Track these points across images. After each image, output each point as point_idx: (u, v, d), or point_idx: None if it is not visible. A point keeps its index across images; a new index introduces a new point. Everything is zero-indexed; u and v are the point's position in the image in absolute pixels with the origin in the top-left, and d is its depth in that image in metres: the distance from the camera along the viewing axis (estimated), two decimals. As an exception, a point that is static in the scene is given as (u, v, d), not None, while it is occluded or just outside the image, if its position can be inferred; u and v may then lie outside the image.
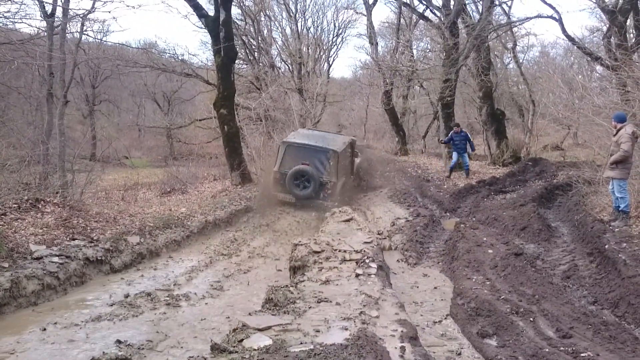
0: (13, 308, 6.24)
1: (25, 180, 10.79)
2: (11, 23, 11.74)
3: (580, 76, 20.08)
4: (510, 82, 28.30)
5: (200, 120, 29.37)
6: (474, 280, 7.34)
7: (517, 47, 26.22)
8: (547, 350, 5.04)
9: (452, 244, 9.55)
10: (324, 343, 4.63)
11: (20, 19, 16.42)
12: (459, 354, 5.36)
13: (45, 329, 5.71)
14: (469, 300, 6.52)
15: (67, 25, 15.28)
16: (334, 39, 40.91)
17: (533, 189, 13.95)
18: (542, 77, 24.05)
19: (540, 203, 12.11)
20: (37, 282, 6.67)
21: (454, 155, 17.01)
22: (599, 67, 20.65)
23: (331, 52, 42.08)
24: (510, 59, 28.14)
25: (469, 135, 16.95)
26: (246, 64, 28.45)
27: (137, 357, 4.85)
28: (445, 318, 6.46)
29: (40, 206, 9.50)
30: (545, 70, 25.01)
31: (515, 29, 23.70)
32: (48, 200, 9.90)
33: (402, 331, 5.15)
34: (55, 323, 5.91)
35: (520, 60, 27.35)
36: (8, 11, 13.09)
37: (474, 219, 11.79)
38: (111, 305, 6.43)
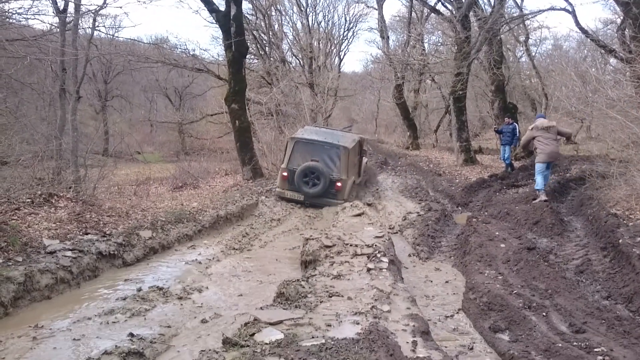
0: (27, 302, 6.28)
1: (38, 175, 10.85)
2: (24, 19, 11.85)
3: (593, 69, 19.90)
4: (522, 76, 28.15)
5: (211, 115, 29.51)
6: (486, 274, 7.31)
7: (529, 40, 26.06)
8: (560, 345, 5.01)
9: (464, 238, 9.51)
10: (336, 337, 4.64)
11: (33, 15, 16.63)
12: (471, 348, 5.34)
13: (60, 323, 5.76)
14: (481, 295, 6.49)
15: (79, 21, 15.40)
16: (345, 33, 41.02)
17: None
18: (555, 70, 23.89)
19: (553, 197, 12.02)
20: (50, 276, 6.71)
21: (502, 148, 16.87)
22: (612, 60, 20.48)
23: (342, 46, 42.21)
24: (522, 52, 28.00)
25: (517, 129, 16.71)
26: (257, 59, 28.53)
27: (149, 351, 4.86)
28: (457, 312, 6.44)
29: (53, 201, 9.56)
30: (558, 63, 24.83)
31: (527, 22, 23.52)
32: (61, 195, 9.96)
33: (413, 326, 5.14)
34: (68, 317, 5.95)
35: (533, 54, 27.20)
36: (21, 7, 13.23)
37: (486, 213, 11.74)
38: (124, 299, 6.45)
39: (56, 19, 14.15)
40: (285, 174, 13.03)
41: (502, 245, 8.47)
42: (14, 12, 10.82)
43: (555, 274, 7.10)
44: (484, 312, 6.08)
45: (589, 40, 18.81)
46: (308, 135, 13.63)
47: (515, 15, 21.82)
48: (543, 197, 11.31)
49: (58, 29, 13.87)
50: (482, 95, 27.31)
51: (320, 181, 12.54)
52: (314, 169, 12.61)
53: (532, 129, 11.72)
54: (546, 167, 11.67)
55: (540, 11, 18.06)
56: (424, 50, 28.01)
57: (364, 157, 15.35)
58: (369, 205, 12.58)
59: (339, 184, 12.71)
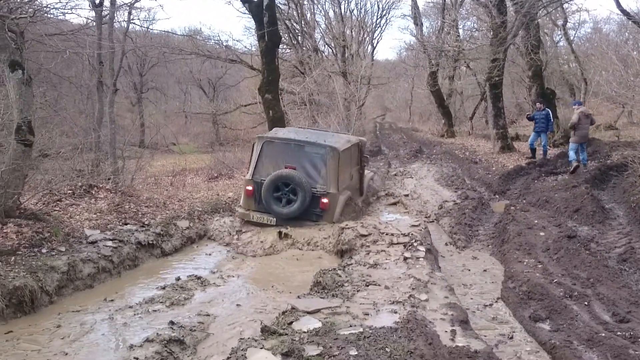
0: (70, 290, 6.45)
1: (78, 167, 11.11)
2: (62, 14, 12.04)
3: (635, 52, 19.29)
4: (560, 61, 27.48)
5: (245, 105, 29.57)
6: (525, 263, 7.20)
7: (567, 23, 25.39)
8: (603, 334, 4.90)
9: (502, 226, 9.37)
10: (374, 326, 4.63)
11: (70, 9, 16.94)
12: (511, 337, 5.27)
13: (103, 310, 5.90)
14: (520, 284, 6.39)
15: (115, 15, 15.61)
16: (378, 21, 40.65)
17: (586, 169, 13.56)
18: (594, 55, 23.26)
19: (593, 184, 11.74)
20: (92, 265, 6.87)
21: (533, 134, 16.44)
22: (656, 42, 19.83)
23: (375, 34, 41.85)
24: (560, 36, 27.33)
25: (550, 115, 16.07)
26: (290, 49, 28.46)
27: (189, 339, 4.94)
28: (496, 301, 6.36)
29: (93, 192, 9.78)
30: (598, 47, 24.14)
31: (566, 5, 22.89)
32: (101, 186, 10.19)
33: (452, 315, 5.10)
34: (110, 305, 6.08)
35: (571, 38, 26.51)
36: (59, 2, 13.44)
37: (524, 201, 11.55)
38: (163, 288, 6.56)
39: (92, 13, 14.41)
40: (249, 188, 9.55)
41: (542, 234, 8.32)
42: (52, 7, 10.99)
43: (597, 262, 6.94)
44: (524, 301, 5.99)
45: (630, 22, 18.20)
46: (282, 134, 10.11)
47: (553, -2, 21.26)
48: (575, 164, 13.31)
49: (94, 23, 14.11)
50: (519, 81, 26.76)
51: (298, 197, 8.97)
52: (288, 180, 9.04)
53: (578, 113, 13.49)
54: (579, 146, 13.66)
55: (579, -7, 17.56)
56: (458, 36, 27.51)
57: (366, 169, 11.91)
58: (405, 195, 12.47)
59: (325, 200, 9.13)
